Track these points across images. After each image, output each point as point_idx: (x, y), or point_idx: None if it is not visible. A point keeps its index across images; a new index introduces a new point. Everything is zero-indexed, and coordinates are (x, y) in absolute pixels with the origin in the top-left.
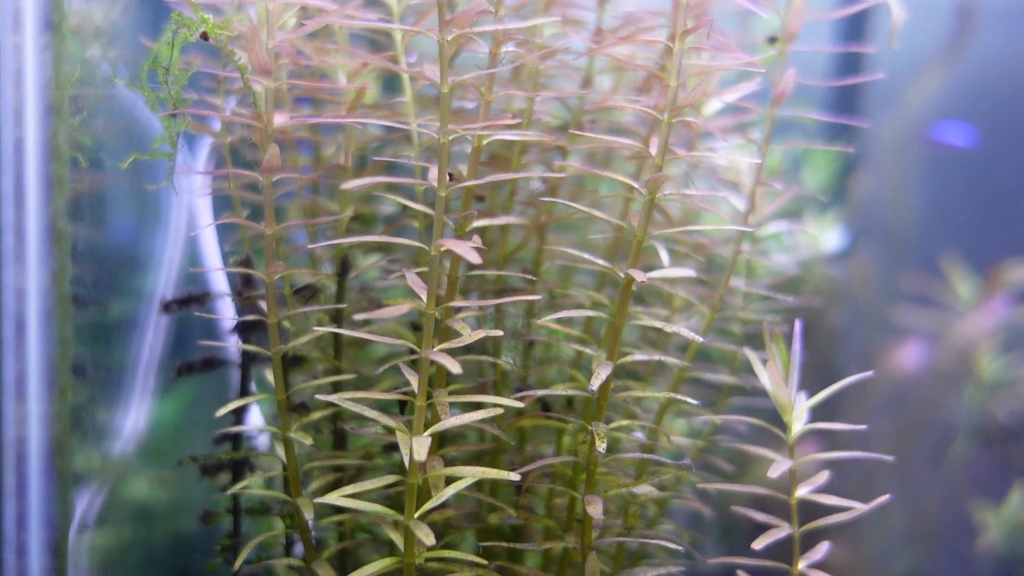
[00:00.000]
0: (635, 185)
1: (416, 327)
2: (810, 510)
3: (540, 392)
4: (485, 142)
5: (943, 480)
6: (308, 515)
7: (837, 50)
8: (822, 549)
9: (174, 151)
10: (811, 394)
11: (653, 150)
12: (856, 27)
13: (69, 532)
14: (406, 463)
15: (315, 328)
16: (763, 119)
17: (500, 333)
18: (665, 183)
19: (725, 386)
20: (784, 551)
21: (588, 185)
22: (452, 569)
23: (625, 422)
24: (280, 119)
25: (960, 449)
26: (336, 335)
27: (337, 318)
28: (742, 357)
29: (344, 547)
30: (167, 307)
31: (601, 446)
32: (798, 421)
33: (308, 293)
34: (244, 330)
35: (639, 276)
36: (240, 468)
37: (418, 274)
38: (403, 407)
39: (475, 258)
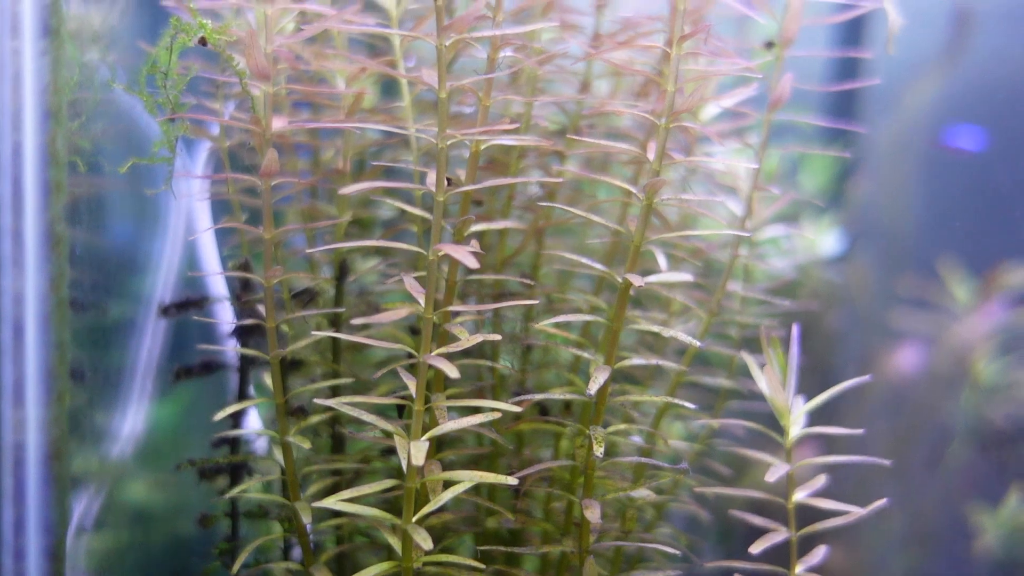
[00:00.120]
0: (633, 190)
1: (414, 331)
2: (808, 513)
3: (538, 396)
4: (483, 147)
5: (940, 483)
6: (306, 519)
7: (834, 55)
8: (819, 553)
9: (173, 156)
10: (809, 398)
11: (651, 155)
12: (853, 31)
13: (67, 536)
14: (404, 467)
15: (313, 332)
16: (760, 123)
17: (498, 337)
18: (663, 188)
19: (723, 390)
20: (782, 555)
21: (586, 189)
22: (450, 573)
23: (623, 426)
24: (278, 123)
25: (957, 452)
26: (334, 339)
27: (335, 322)
28: (740, 361)
29: (342, 551)
30: (166, 311)
31: (599, 450)
32: (795, 425)
33: (306, 297)
34: (242, 334)
35: (637, 281)
36: (238, 472)
37: (416, 278)
38: (401, 411)
39: (473, 263)
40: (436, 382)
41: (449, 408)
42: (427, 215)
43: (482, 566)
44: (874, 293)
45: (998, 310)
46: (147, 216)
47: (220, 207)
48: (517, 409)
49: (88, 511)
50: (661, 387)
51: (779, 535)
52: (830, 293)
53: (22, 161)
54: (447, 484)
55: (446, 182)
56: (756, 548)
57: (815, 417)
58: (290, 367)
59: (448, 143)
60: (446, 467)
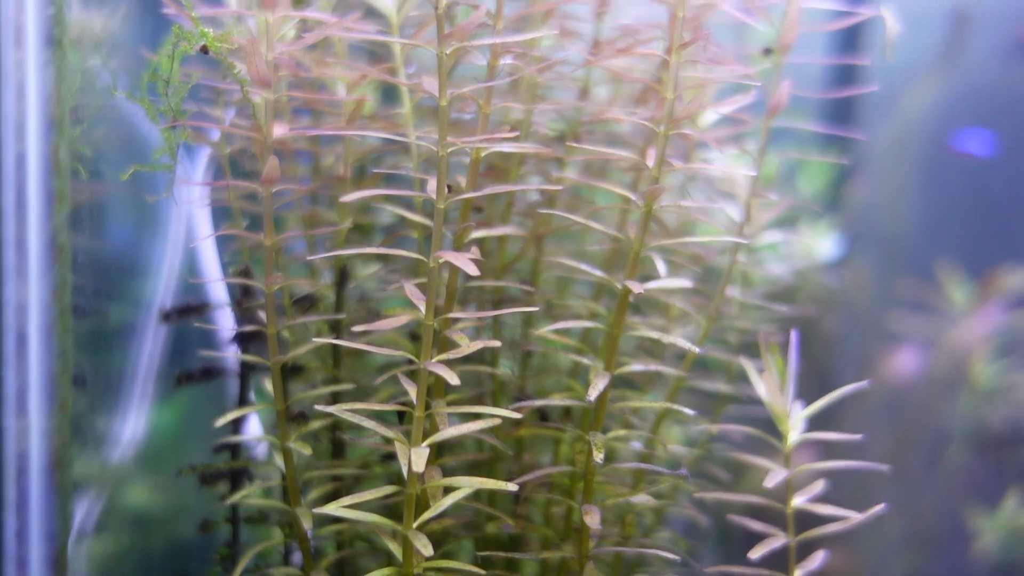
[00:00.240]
0: (632, 197)
1: (414, 336)
2: (806, 517)
3: (538, 402)
4: (483, 154)
5: (939, 485)
6: (307, 525)
7: (832, 62)
8: (818, 558)
9: (174, 163)
10: (807, 402)
11: (650, 162)
12: (851, 34)
13: (68, 544)
14: (404, 473)
15: (314, 339)
16: (758, 129)
17: (498, 344)
18: (662, 194)
19: (721, 395)
20: (780, 559)
21: (585, 195)
22: None
23: (622, 432)
24: (280, 131)
25: (955, 455)
26: (335, 345)
27: (336, 328)
28: (738, 366)
29: (342, 556)
30: (167, 317)
31: (599, 456)
32: (794, 431)
33: (307, 303)
34: (243, 340)
35: (636, 288)
36: (239, 477)
37: (417, 285)
38: (402, 416)
39: (474, 270)
40: (436, 388)
41: (449, 414)
42: (427, 222)
43: (482, 572)
44: (872, 296)
45: (996, 313)
46: (147, 220)
47: (220, 212)
48: (517, 416)
49: (88, 515)
50: (660, 391)
51: (778, 540)
52: (828, 297)
53: (26, 171)
54: (447, 490)
55: (447, 190)
56: (755, 554)
57: (814, 420)
58: (291, 373)
59: (449, 151)
60: (446, 472)
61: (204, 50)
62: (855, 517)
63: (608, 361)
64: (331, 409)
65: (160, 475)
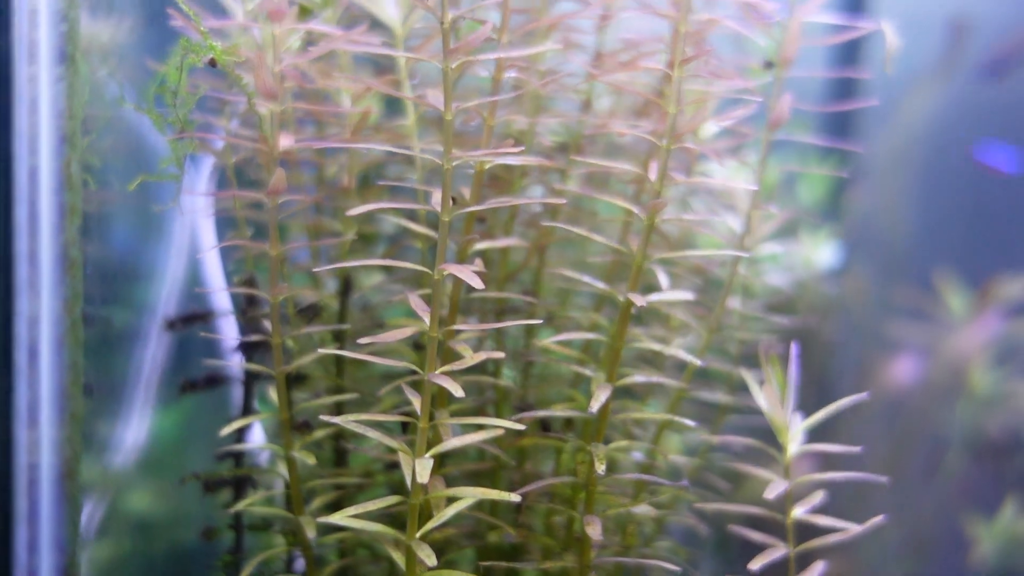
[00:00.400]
0: (635, 210)
1: (418, 346)
2: (805, 526)
3: (541, 413)
4: (487, 166)
5: (937, 493)
6: (311, 533)
7: (832, 75)
8: (817, 569)
9: (181, 173)
10: (806, 409)
11: (652, 175)
12: (851, 45)
13: (78, 554)
14: (408, 484)
15: (319, 349)
16: (759, 141)
17: (502, 355)
18: (664, 208)
19: (722, 405)
20: (779, 568)
21: (587, 206)
22: None
23: (624, 443)
24: (286, 142)
25: (953, 463)
26: (338, 354)
27: (339, 337)
28: (738, 376)
29: (345, 564)
30: (171, 325)
31: (600, 467)
32: (793, 443)
33: (311, 313)
34: (248, 349)
35: (639, 300)
36: (242, 485)
37: (420, 296)
38: (405, 425)
39: (478, 283)
40: (440, 398)
41: (452, 424)
42: (431, 232)
43: None
44: (871, 304)
45: (994, 321)
46: (152, 228)
47: (225, 220)
48: (520, 427)
49: (90, 520)
50: (661, 400)
51: (778, 551)
52: (827, 305)
53: (38, 185)
54: (450, 500)
55: (451, 202)
56: (755, 565)
57: (813, 429)
58: (294, 382)
59: (453, 164)
60: (449, 482)
61: (212, 64)
62: (854, 528)
63: (610, 372)
64: (338, 420)
65: (162, 481)
